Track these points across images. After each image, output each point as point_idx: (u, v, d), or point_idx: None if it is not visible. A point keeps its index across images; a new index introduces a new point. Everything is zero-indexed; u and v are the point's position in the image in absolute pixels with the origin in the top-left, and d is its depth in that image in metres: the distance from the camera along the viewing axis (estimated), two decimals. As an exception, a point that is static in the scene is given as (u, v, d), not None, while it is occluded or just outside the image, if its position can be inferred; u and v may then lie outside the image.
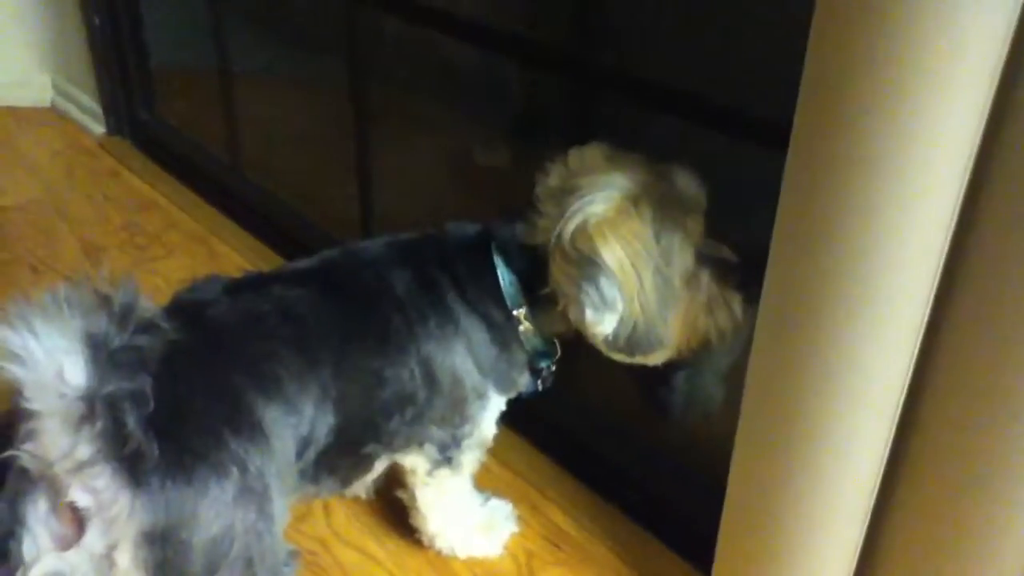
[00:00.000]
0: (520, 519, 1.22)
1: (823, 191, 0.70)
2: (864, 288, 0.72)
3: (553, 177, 0.96)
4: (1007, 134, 0.65)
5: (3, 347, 0.66)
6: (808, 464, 0.83)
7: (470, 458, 1.07)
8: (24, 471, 0.73)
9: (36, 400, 0.68)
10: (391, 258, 0.98)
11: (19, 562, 0.73)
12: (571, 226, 0.89)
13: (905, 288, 0.72)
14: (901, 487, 0.83)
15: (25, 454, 0.71)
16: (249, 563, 0.78)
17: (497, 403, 1.05)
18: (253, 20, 1.89)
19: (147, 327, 0.72)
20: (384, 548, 1.19)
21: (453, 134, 1.52)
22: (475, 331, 0.98)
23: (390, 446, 0.99)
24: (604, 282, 0.88)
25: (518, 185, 0.99)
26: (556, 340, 1.02)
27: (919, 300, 0.73)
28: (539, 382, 1.06)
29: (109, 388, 0.68)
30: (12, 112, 2.46)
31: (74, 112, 2.43)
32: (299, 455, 0.88)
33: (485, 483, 1.22)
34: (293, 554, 0.85)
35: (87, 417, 0.68)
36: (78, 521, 0.73)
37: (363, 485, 1.12)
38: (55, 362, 0.67)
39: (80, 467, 0.70)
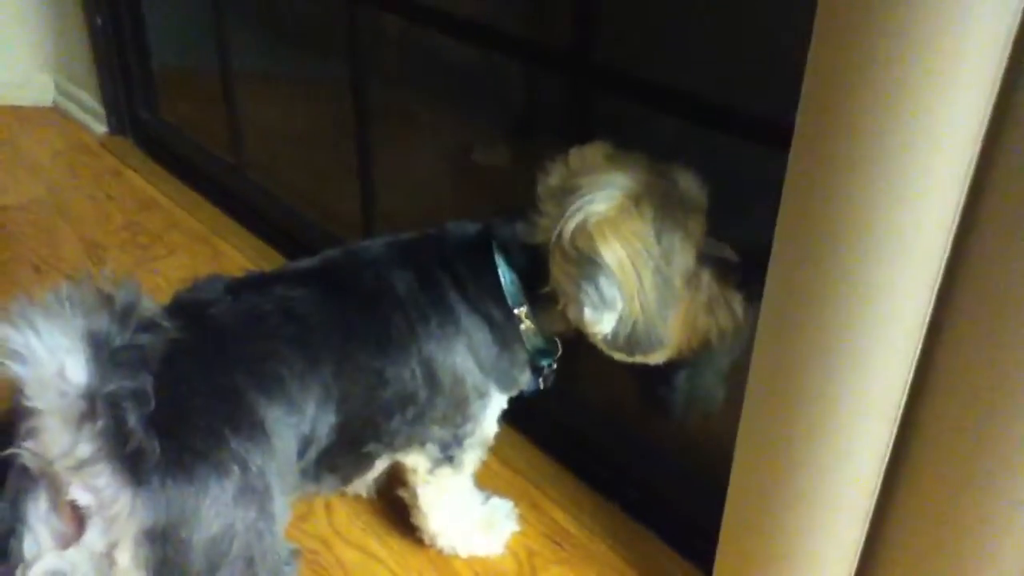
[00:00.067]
0: (521, 517, 1.22)
1: (825, 191, 0.70)
2: (866, 288, 0.72)
3: (554, 176, 0.95)
4: (1009, 135, 0.65)
5: (5, 345, 0.67)
6: (809, 464, 0.83)
7: (471, 457, 1.07)
8: (25, 469, 0.73)
9: (37, 398, 0.68)
10: (392, 258, 0.98)
11: (20, 560, 0.73)
12: (571, 225, 0.89)
13: (906, 288, 0.72)
14: (902, 487, 0.82)
15: (26, 452, 0.71)
16: (250, 562, 0.78)
17: (498, 402, 1.05)
18: (254, 20, 1.89)
19: (148, 326, 0.72)
20: (386, 547, 1.19)
21: (454, 134, 1.52)
22: (476, 330, 0.98)
23: (391, 445, 0.99)
24: (603, 281, 0.88)
25: (519, 185, 0.99)
26: (557, 339, 1.02)
27: (920, 300, 0.73)
28: (540, 380, 1.06)
29: (110, 387, 0.68)
30: (14, 111, 2.46)
31: (76, 111, 2.43)
32: (300, 454, 0.88)
33: (486, 482, 1.22)
34: (294, 553, 0.85)
35: (88, 415, 0.68)
36: (79, 519, 0.73)
37: (364, 484, 1.12)
38: (56, 360, 0.67)
39: (81, 465, 0.70)
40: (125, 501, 0.71)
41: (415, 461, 1.05)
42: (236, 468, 0.77)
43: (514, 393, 1.06)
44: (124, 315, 0.71)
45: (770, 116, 0.90)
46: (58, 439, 0.69)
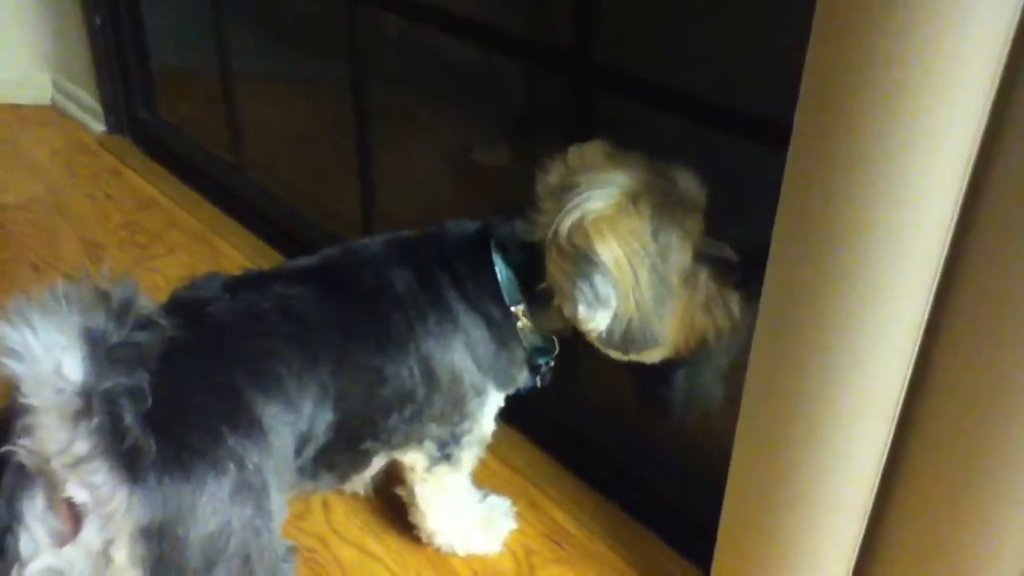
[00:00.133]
0: (519, 516, 1.22)
1: (824, 191, 0.70)
2: (864, 287, 0.72)
3: (553, 174, 0.96)
4: (1007, 135, 0.65)
5: (1, 343, 0.67)
6: (807, 463, 0.83)
7: (469, 455, 1.07)
8: (21, 467, 0.73)
9: (33, 395, 0.68)
10: (391, 256, 0.98)
11: (16, 558, 0.73)
12: (568, 222, 0.89)
13: (905, 287, 0.72)
14: (901, 486, 0.82)
15: (22, 450, 0.71)
16: (246, 559, 0.78)
17: (496, 400, 1.05)
18: (254, 19, 1.89)
19: (146, 324, 0.72)
20: (383, 545, 1.19)
21: (454, 134, 1.52)
22: (474, 328, 0.98)
23: (389, 443, 0.99)
24: (599, 279, 0.88)
25: (519, 184, 0.99)
26: (554, 337, 1.02)
27: (919, 299, 0.73)
28: (537, 379, 1.06)
29: (107, 384, 0.68)
30: (13, 110, 2.46)
31: (74, 110, 2.43)
32: (298, 452, 0.88)
33: (484, 480, 1.22)
34: (291, 550, 0.85)
35: (84, 412, 0.68)
36: (75, 517, 0.73)
37: (362, 482, 1.12)
38: (53, 358, 0.67)
39: (77, 462, 0.70)
40: (121, 498, 0.71)
41: (413, 459, 1.05)
42: (233, 466, 0.77)
43: (511, 391, 1.06)
44: (121, 313, 0.71)
45: (769, 116, 0.90)
46: (54, 436, 0.69)
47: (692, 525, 1.14)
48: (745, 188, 1.01)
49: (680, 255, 0.91)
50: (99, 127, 2.34)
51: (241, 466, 0.77)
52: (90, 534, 0.73)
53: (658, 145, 0.98)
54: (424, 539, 1.17)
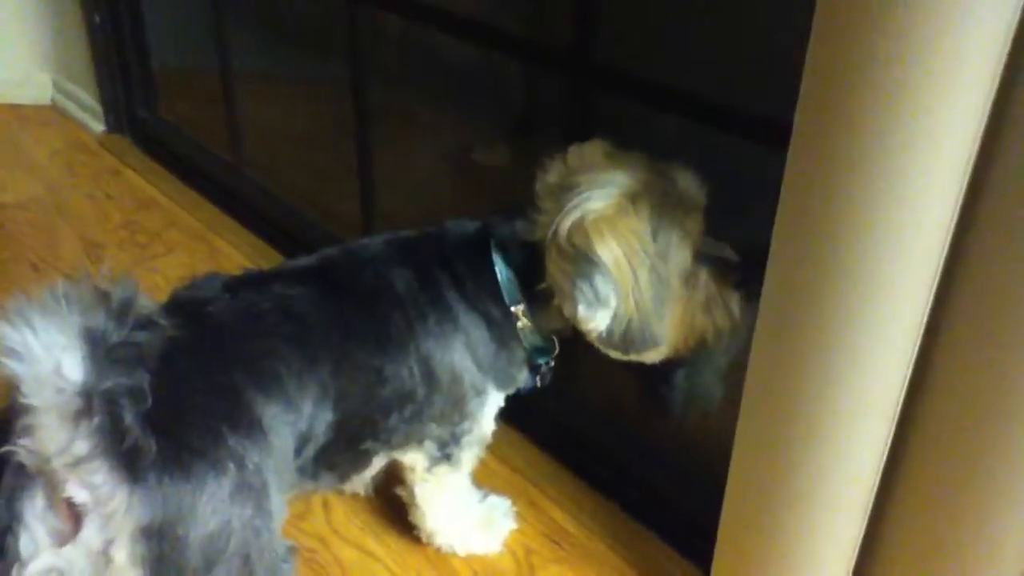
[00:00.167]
0: (519, 516, 1.22)
1: (824, 190, 0.70)
2: (864, 287, 0.72)
3: (552, 174, 0.96)
4: (1007, 134, 0.65)
5: (1, 343, 0.66)
6: (807, 462, 0.83)
7: (469, 455, 1.07)
8: (21, 467, 0.73)
9: (33, 395, 0.68)
10: (390, 256, 0.98)
11: (16, 558, 0.73)
12: (567, 222, 0.89)
13: (905, 287, 0.72)
14: (901, 485, 0.82)
15: (22, 450, 0.71)
16: (246, 559, 0.78)
17: (496, 400, 1.05)
18: (254, 19, 1.89)
19: (145, 324, 0.72)
20: (383, 545, 1.19)
21: (454, 134, 1.52)
22: (474, 328, 0.98)
23: (389, 443, 0.99)
24: (598, 279, 0.88)
25: (519, 184, 0.99)
26: (554, 337, 1.02)
27: (919, 299, 0.73)
28: (537, 379, 1.06)
29: (107, 384, 0.68)
30: (12, 110, 2.46)
31: (74, 110, 2.43)
32: (298, 452, 0.88)
33: (484, 480, 1.22)
34: (291, 550, 0.85)
35: (84, 412, 0.68)
36: (75, 517, 0.73)
37: (362, 482, 1.12)
38: (53, 358, 0.67)
39: (77, 462, 0.70)
40: (121, 498, 0.71)
41: (413, 459, 1.05)
42: (233, 465, 0.77)
43: (511, 391, 1.06)
44: (121, 312, 0.71)
45: (769, 115, 0.90)
46: (54, 436, 0.69)
47: (692, 525, 1.14)
48: (745, 188, 1.01)
49: (680, 255, 0.91)
50: (99, 127, 2.34)
51: (241, 466, 0.77)
52: (90, 534, 0.73)
53: (658, 145, 0.98)
54: (424, 539, 1.17)
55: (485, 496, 1.19)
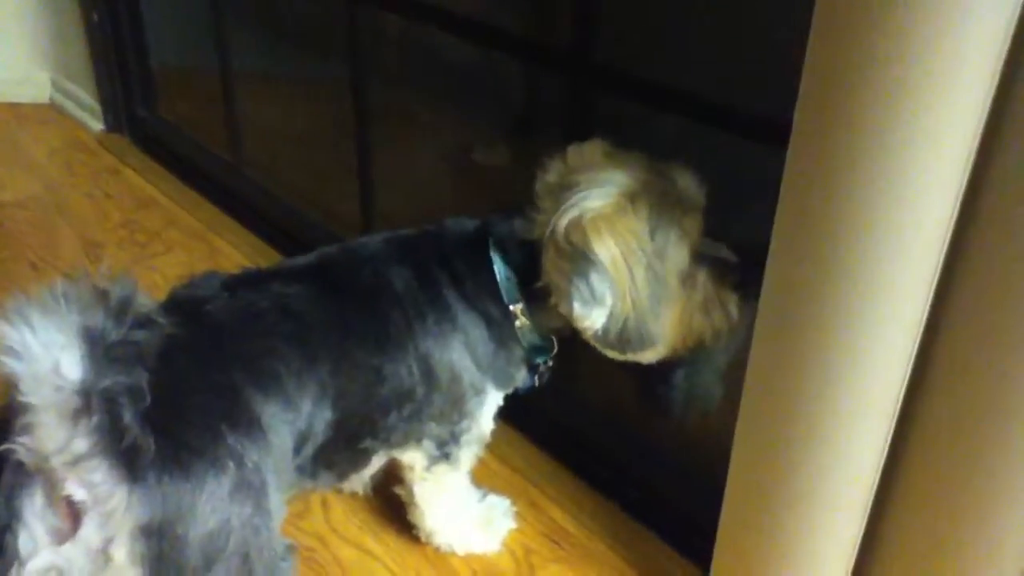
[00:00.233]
0: (518, 515, 1.22)
1: (824, 189, 0.70)
2: (864, 286, 0.72)
3: (552, 173, 0.96)
4: (1007, 133, 0.65)
5: (0, 342, 0.66)
6: (807, 462, 0.83)
7: (468, 454, 1.07)
8: (20, 465, 0.72)
9: (32, 394, 0.68)
10: (389, 255, 0.98)
11: (15, 557, 0.73)
12: (565, 220, 0.89)
13: (905, 286, 0.72)
14: (900, 484, 0.82)
15: (21, 448, 0.71)
16: (246, 558, 0.78)
17: (495, 399, 1.05)
18: (254, 19, 1.89)
19: (144, 322, 0.72)
20: (382, 544, 1.19)
21: (454, 134, 1.52)
22: (473, 327, 0.98)
23: (388, 442, 0.99)
24: (595, 277, 0.88)
25: (519, 184, 0.99)
26: (553, 336, 1.02)
27: (919, 298, 0.73)
28: (536, 378, 1.06)
29: (105, 382, 0.68)
30: (11, 109, 2.46)
31: (73, 109, 2.43)
32: (296, 451, 0.88)
33: (483, 479, 1.22)
34: (290, 548, 0.85)
35: (83, 411, 0.68)
36: (74, 515, 0.73)
37: (361, 481, 1.12)
38: (51, 356, 0.67)
39: (76, 461, 0.70)
40: (121, 497, 0.71)
41: (412, 458, 1.05)
42: (232, 464, 0.77)
43: (510, 390, 1.06)
44: (119, 311, 0.70)
45: (769, 115, 0.90)
46: (53, 435, 0.69)
47: (692, 524, 1.14)
48: (745, 187, 1.01)
49: (677, 254, 0.91)
50: (98, 126, 2.34)
51: (240, 464, 0.77)
52: (89, 532, 0.73)
53: (658, 145, 0.98)
54: (423, 538, 1.17)
55: (484, 495, 1.19)
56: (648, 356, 0.95)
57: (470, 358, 0.98)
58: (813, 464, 0.82)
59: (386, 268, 0.96)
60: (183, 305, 0.87)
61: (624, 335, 0.91)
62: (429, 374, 0.96)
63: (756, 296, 0.82)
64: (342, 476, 1.01)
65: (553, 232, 0.90)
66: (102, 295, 0.71)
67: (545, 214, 0.93)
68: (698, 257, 0.93)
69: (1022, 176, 0.66)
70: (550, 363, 1.05)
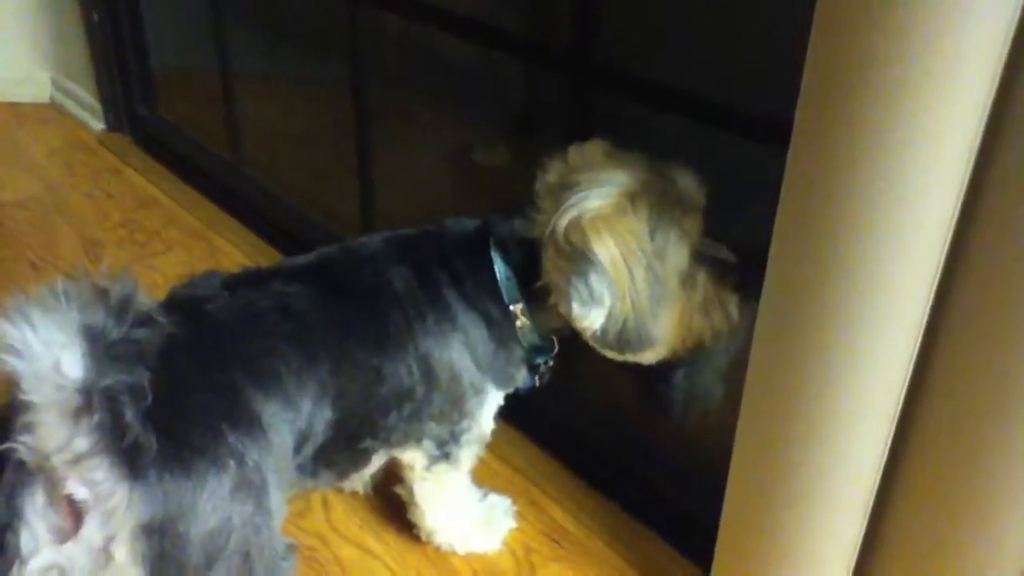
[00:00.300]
0: (519, 515, 1.22)
1: (824, 190, 0.70)
2: (865, 286, 0.72)
3: (552, 173, 0.96)
4: (1008, 133, 0.65)
5: (1, 340, 0.66)
6: (807, 462, 0.83)
7: (468, 454, 1.07)
8: (21, 464, 0.72)
9: (33, 392, 0.68)
10: (389, 254, 0.98)
11: (17, 555, 0.73)
12: (565, 220, 0.89)
13: (906, 286, 0.72)
14: (901, 484, 0.83)
15: (22, 446, 0.71)
16: (246, 556, 0.78)
17: (495, 399, 1.05)
18: (254, 19, 1.89)
19: (144, 321, 0.72)
20: (383, 543, 1.19)
21: (454, 134, 1.52)
22: (473, 327, 0.98)
23: (388, 441, 0.99)
24: (594, 277, 0.88)
25: (519, 184, 0.99)
26: (553, 336, 1.02)
27: (919, 298, 0.73)
28: (536, 378, 1.06)
29: (107, 381, 0.68)
30: (11, 108, 2.46)
31: (73, 108, 2.43)
32: (297, 450, 0.88)
33: (484, 479, 1.22)
34: (291, 547, 0.85)
35: (84, 409, 0.68)
36: (76, 513, 0.73)
37: (361, 480, 1.12)
38: (52, 355, 0.67)
39: (78, 459, 0.70)
40: (122, 495, 0.71)
41: (412, 458, 1.05)
42: (233, 463, 0.77)
43: (510, 390, 1.06)
44: (120, 310, 0.70)
45: (769, 114, 0.90)
46: (55, 433, 0.69)
47: (692, 524, 1.14)
48: (745, 187, 1.01)
49: (677, 255, 0.91)
50: (98, 125, 2.34)
51: (241, 463, 0.77)
52: (91, 531, 0.73)
53: (658, 145, 0.98)
54: (423, 537, 1.17)
55: (485, 495, 1.19)
56: (647, 357, 0.95)
57: (470, 358, 0.98)
58: (813, 464, 0.82)
59: (386, 268, 0.96)
60: (183, 304, 0.87)
61: (623, 336, 0.91)
62: (429, 374, 0.96)
63: (756, 297, 0.82)
64: (342, 475, 1.02)
65: (553, 232, 0.90)
66: (102, 294, 0.71)
67: (545, 214, 0.93)
68: (698, 257, 0.93)
69: (1022, 176, 0.66)
70: (550, 363, 1.05)
